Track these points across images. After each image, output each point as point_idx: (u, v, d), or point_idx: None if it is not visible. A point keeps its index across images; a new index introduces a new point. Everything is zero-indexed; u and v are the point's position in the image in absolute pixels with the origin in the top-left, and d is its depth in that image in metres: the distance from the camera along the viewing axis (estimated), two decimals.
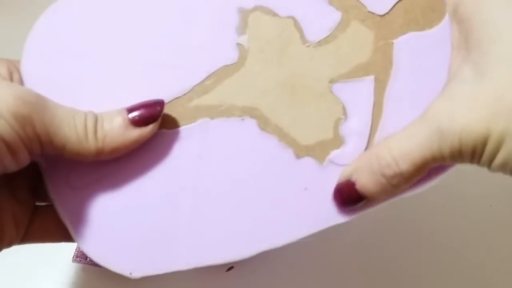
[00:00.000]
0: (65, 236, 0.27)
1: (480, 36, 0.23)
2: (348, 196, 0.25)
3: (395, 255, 0.44)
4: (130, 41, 0.26)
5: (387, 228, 0.45)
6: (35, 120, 0.22)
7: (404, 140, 0.24)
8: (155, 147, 0.26)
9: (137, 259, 0.26)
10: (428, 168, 0.24)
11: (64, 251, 0.42)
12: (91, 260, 0.41)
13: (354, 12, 0.27)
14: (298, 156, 0.27)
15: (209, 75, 0.26)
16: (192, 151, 0.26)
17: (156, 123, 0.25)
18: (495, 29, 0.22)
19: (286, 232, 0.26)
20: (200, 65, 0.26)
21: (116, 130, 0.24)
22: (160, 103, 0.25)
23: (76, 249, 0.42)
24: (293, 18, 0.27)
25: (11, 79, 0.25)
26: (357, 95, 0.27)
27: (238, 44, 0.27)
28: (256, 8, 0.27)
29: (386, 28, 0.27)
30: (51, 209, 0.27)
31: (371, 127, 0.27)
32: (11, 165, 0.22)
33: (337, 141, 0.27)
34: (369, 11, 0.27)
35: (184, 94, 0.26)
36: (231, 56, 0.27)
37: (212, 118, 0.26)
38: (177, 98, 0.26)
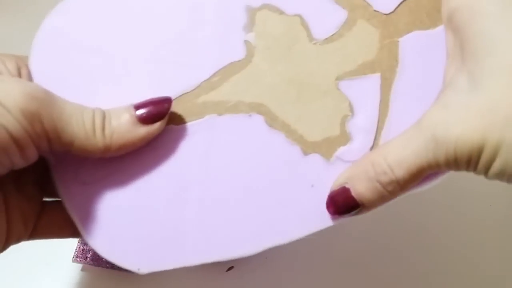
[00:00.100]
0: (73, 232, 0.27)
1: (475, 46, 0.23)
2: (344, 203, 0.25)
3: (395, 255, 0.44)
4: (139, 38, 0.26)
5: (387, 228, 0.45)
6: (43, 116, 0.22)
7: (399, 148, 0.24)
8: (163, 143, 0.26)
9: (144, 255, 0.26)
10: (424, 175, 0.24)
11: (64, 251, 0.42)
12: (91, 260, 0.41)
13: (360, 11, 0.27)
14: (305, 153, 0.27)
15: (217, 72, 0.27)
16: (199, 147, 0.26)
17: (163, 121, 0.25)
18: (490, 40, 0.22)
19: (292, 229, 0.27)
20: (208, 62, 0.27)
21: (123, 127, 0.24)
22: (167, 101, 0.25)
23: (76, 249, 0.42)
24: (300, 16, 0.27)
25: (20, 75, 0.25)
26: (364, 92, 0.27)
27: (246, 41, 0.27)
28: (263, 6, 0.27)
29: (391, 26, 0.27)
30: (59, 205, 0.27)
31: (378, 124, 0.27)
32: (19, 162, 0.22)
33: (344, 137, 0.27)
34: (374, 10, 0.27)
35: (192, 90, 0.26)
36: (239, 53, 0.27)
37: (219, 114, 0.26)
38: (185, 94, 0.26)
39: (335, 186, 0.26)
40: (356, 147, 0.27)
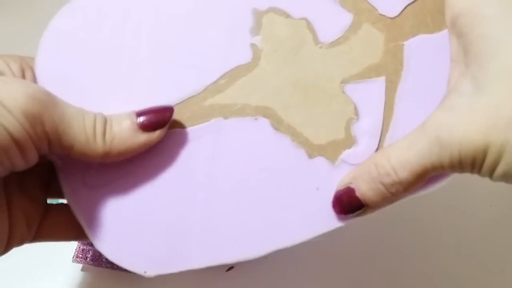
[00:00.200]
0: (76, 234, 0.27)
1: (479, 50, 0.23)
2: (349, 203, 0.26)
3: (395, 255, 0.44)
4: (145, 41, 0.26)
5: (387, 228, 0.45)
6: (45, 118, 0.22)
7: (403, 150, 0.24)
8: (169, 146, 0.26)
9: (151, 258, 0.26)
10: (428, 177, 0.24)
11: (64, 251, 0.42)
12: (91, 260, 0.41)
13: (366, 15, 0.28)
14: (311, 156, 0.27)
15: (223, 75, 0.27)
16: (205, 150, 0.26)
17: (164, 129, 0.25)
18: (493, 43, 0.23)
19: (298, 231, 0.27)
20: (215, 65, 0.27)
21: (124, 133, 0.24)
22: (169, 110, 0.25)
23: (76, 249, 0.42)
24: (306, 19, 0.27)
25: (24, 77, 0.25)
26: (369, 95, 0.27)
27: (252, 45, 0.27)
28: (270, 10, 0.27)
29: (396, 30, 0.28)
30: (62, 207, 0.27)
31: (382, 127, 0.27)
32: (20, 163, 0.22)
33: (349, 141, 0.27)
34: (380, 14, 0.28)
35: (199, 93, 0.26)
36: (245, 56, 0.27)
37: (225, 117, 0.27)
38: (191, 97, 0.26)
39: (341, 186, 0.26)
40: (361, 150, 0.27)
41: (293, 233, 0.27)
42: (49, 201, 0.28)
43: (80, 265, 0.42)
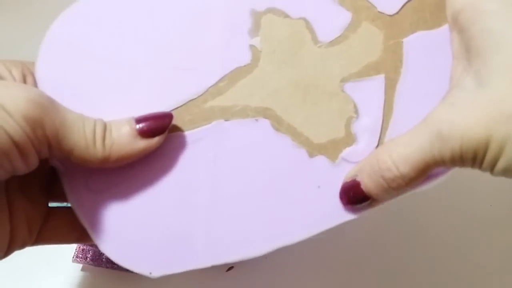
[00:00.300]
0: (77, 237, 0.27)
1: (480, 44, 0.23)
2: (355, 195, 0.26)
3: (395, 254, 0.44)
4: (144, 45, 0.26)
5: (387, 228, 0.45)
6: (45, 122, 0.22)
7: (404, 144, 0.24)
8: (171, 149, 0.26)
9: (156, 259, 0.26)
10: (429, 172, 0.24)
11: (64, 251, 0.42)
12: (91, 260, 0.41)
13: (365, 13, 0.28)
14: (311, 155, 0.27)
15: (223, 77, 0.27)
16: (207, 152, 0.26)
17: (163, 136, 0.25)
18: (495, 38, 0.23)
19: (300, 230, 0.27)
20: (214, 67, 0.27)
21: (123, 138, 0.24)
22: (168, 116, 0.25)
23: (76, 249, 0.42)
24: (304, 19, 0.27)
25: (25, 82, 0.25)
26: (368, 93, 0.27)
27: (251, 46, 0.27)
28: (268, 10, 0.27)
29: (395, 27, 0.28)
30: (63, 211, 0.27)
31: (382, 124, 0.27)
32: (21, 167, 0.22)
33: (349, 139, 0.27)
34: (379, 11, 0.28)
35: (199, 96, 0.26)
36: (245, 57, 0.27)
37: (226, 119, 0.27)
38: (192, 100, 0.26)
39: (347, 177, 0.27)
40: (361, 148, 0.27)
41: (296, 230, 0.27)
42: (50, 204, 0.28)
43: (80, 265, 0.42)
